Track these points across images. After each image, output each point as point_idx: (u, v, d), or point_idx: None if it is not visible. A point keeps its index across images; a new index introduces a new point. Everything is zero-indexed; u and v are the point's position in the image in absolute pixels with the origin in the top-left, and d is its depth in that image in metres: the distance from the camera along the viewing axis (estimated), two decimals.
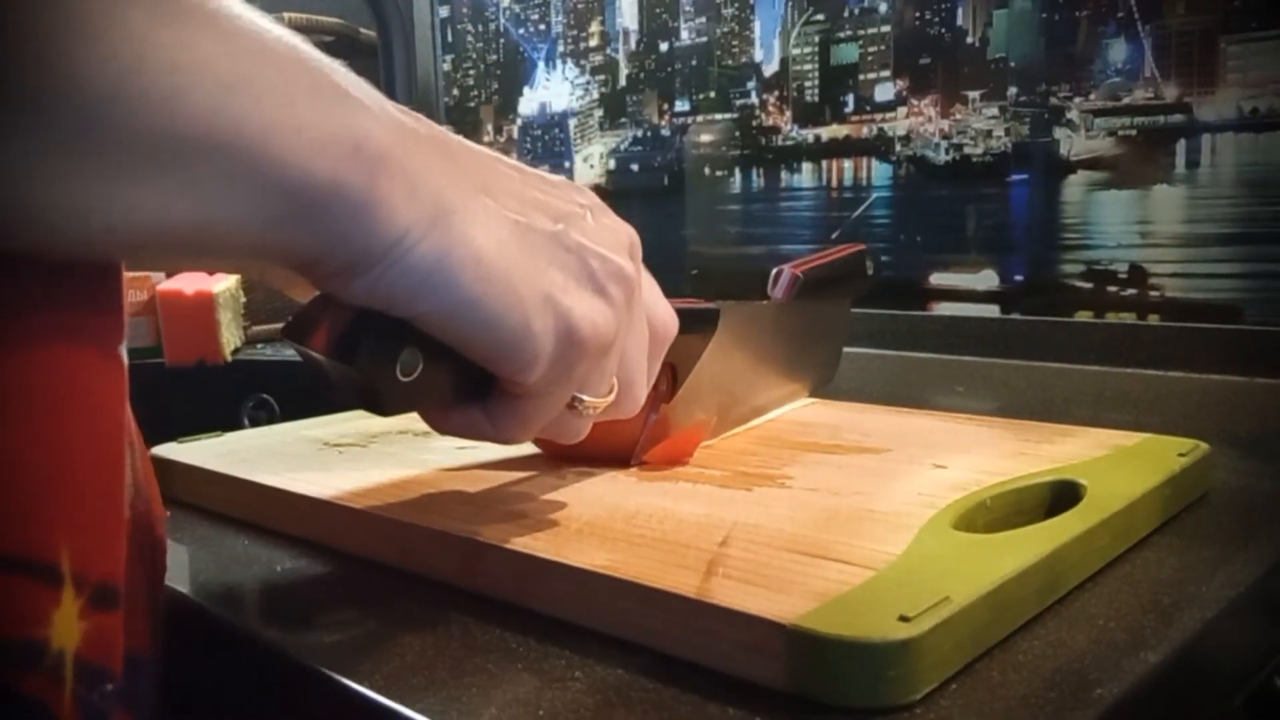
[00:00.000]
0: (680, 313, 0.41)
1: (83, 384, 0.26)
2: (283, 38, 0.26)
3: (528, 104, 1.24)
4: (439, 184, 0.29)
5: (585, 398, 0.35)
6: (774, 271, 0.55)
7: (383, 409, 0.31)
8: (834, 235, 0.96)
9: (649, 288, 0.39)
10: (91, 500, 0.26)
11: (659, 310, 0.39)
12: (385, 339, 0.30)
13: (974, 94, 0.86)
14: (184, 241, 0.25)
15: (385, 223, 0.28)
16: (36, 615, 0.24)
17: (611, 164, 1.15)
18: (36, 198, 0.23)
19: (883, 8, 0.91)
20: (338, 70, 0.28)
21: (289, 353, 1.01)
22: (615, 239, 0.35)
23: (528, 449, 0.49)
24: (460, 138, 0.33)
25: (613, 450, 0.47)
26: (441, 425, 0.35)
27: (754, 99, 1.02)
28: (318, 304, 0.31)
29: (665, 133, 1.10)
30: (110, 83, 0.22)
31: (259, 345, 1.05)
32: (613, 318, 0.33)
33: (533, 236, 0.32)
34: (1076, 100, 0.80)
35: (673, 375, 0.47)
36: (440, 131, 0.31)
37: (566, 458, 0.48)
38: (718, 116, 1.05)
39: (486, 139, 1.28)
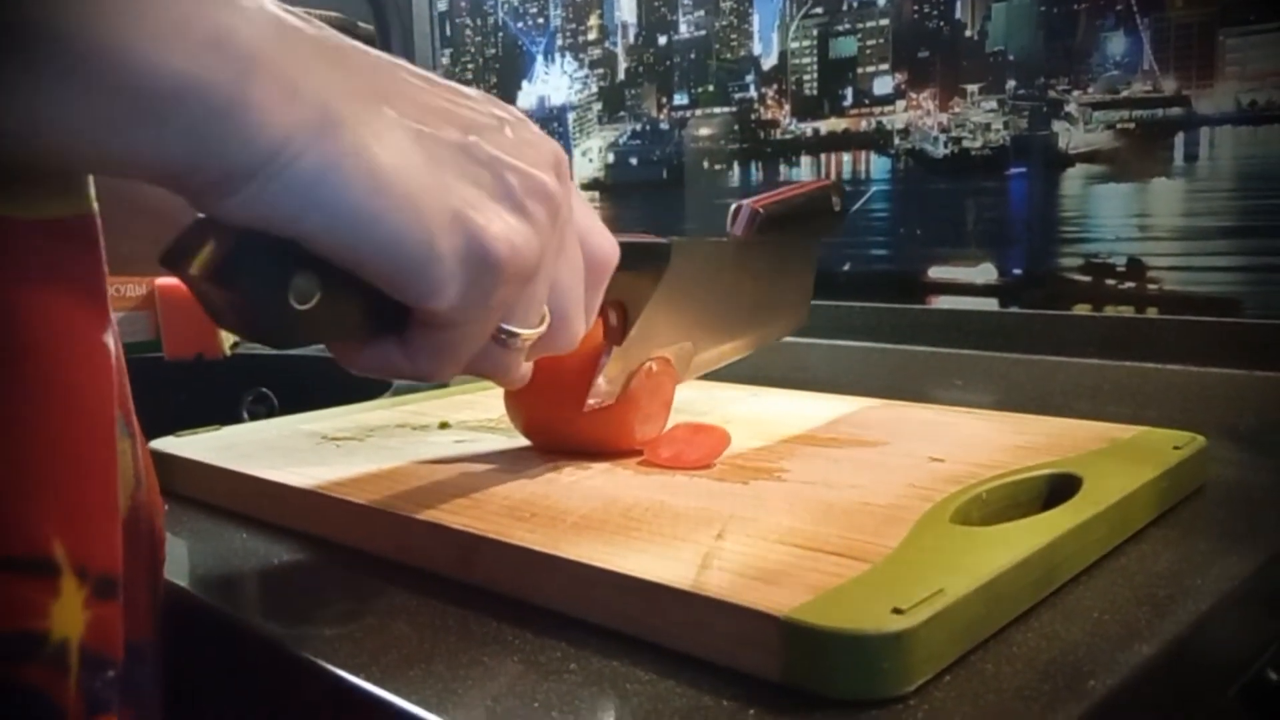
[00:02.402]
0: (627, 247, 0.38)
1: (67, 376, 0.26)
2: None
3: (526, 98, 1.24)
4: (326, 89, 0.26)
5: (513, 329, 0.32)
6: (733, 207, 0.52)
7: (278, 341, 0.29)
8: None
9: (584, 212, 0.36)
10: (85, 491, 0.26)
11: (595, 235, 0.36)
12: (272, 263, 0.27)
13: (972, 87, 0.86)
14: (35, 148, 0.23)
15: (257, 130, 0.25)
16: (33, 608, 0.24)
17: (610, 158, 1.15)
18: None
19: (881, 1, 0.91)
20: None
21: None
22: (537, 154, 0.31)
23: (521, 441, 0.49)
24: (363, 45, 0.30)
25: (603, 438, 0.47)
26: (353, 361, 0.32)
27: (753, 92, 1.02)
28: (199, 225, 0.28)
29: (664, 126, 1.10)
30: None
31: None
32: (534, 238, 0.30)
33: (438, 148, 0.29)
34: (1075, 94, 0.80)
35: (623, 314, 0.45)
36: (333, 33, 0.29)
37: (558, 450, 0.48)
38: (716, 110, 1.05)
39: None
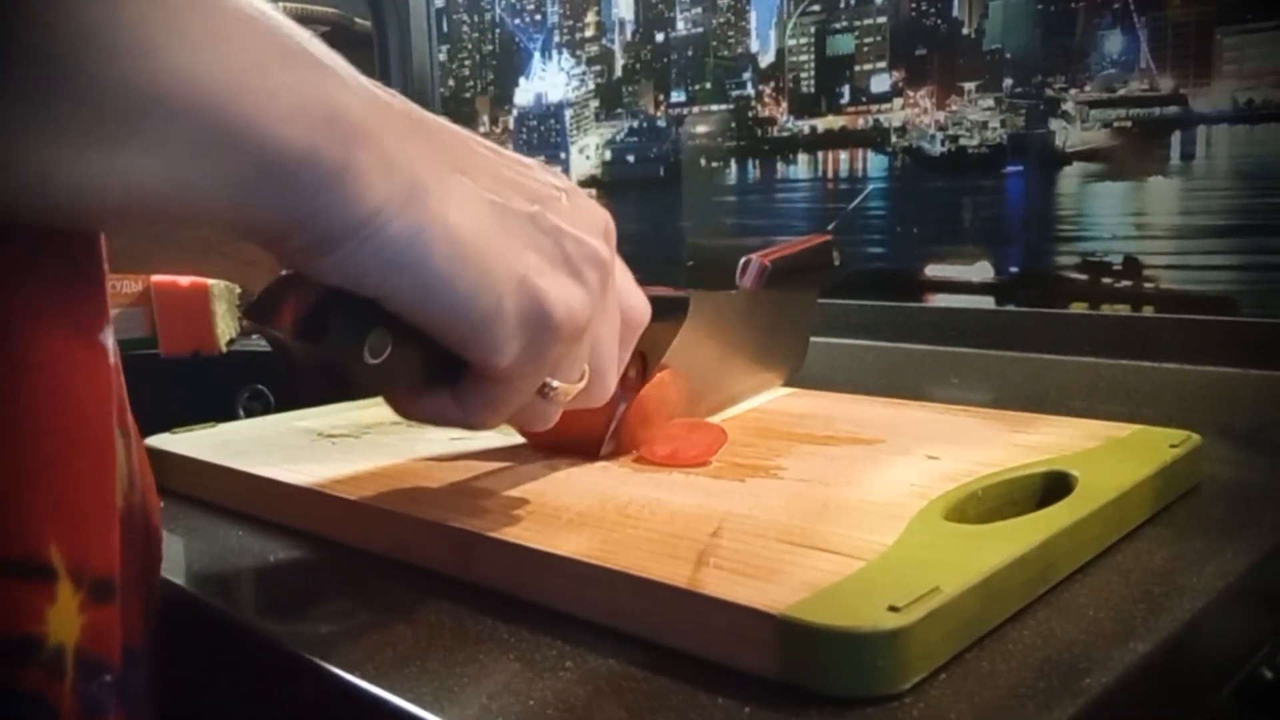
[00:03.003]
0: (651, 300, 0.40)
1: (64, 378, 0.26)
2: (256, 2, 0.26)
3: (523, 95, 1.24)
4: (414, 160, 0.29)
5: (556, 383, 0.34)
6: (742, 261, 0.55)
7: (350, 392, 0.31)
8: (830, 226, 0.96)
9: (622, 274, 0.38)
10: (82, 493, 0.26)
11: (632, 297, 0.39)
12: (354, 319, 0.29)
13: (969, 85, 0.86)
14: (149, 208, 0.25)
15: (359, 197, 0.27)
16: (28, 612, 0.24)
17: (607, 155, 1.15)
18: None
19: None
20: (312, 40, 0.27)
21: None
22: (591, 222, 0.34)
23: (516, 438, 0.49)
24: (436, 116, 0.32)
25: (591, 437, 0.47)
26: (409, 410, 0.34)
27: (750, 90, 1.02)
28: (284, 282, 0.30)
29: (661, 124, 1.10)
30: (80, 35, 0.21)
31: (254, 336, 1.05)
32: (587, 302, 0.33)
33: (508, 217, 0.31)
34: (1072, 92, 0.80)
35: (643, 363, 0.46)
36: (416, 108, 0.31)
37: (551, 446, 0.48)
38: (714, 107, 1.05)
39: (482, 130, 1.28)
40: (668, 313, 0.46)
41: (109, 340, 0.28)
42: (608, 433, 0.46)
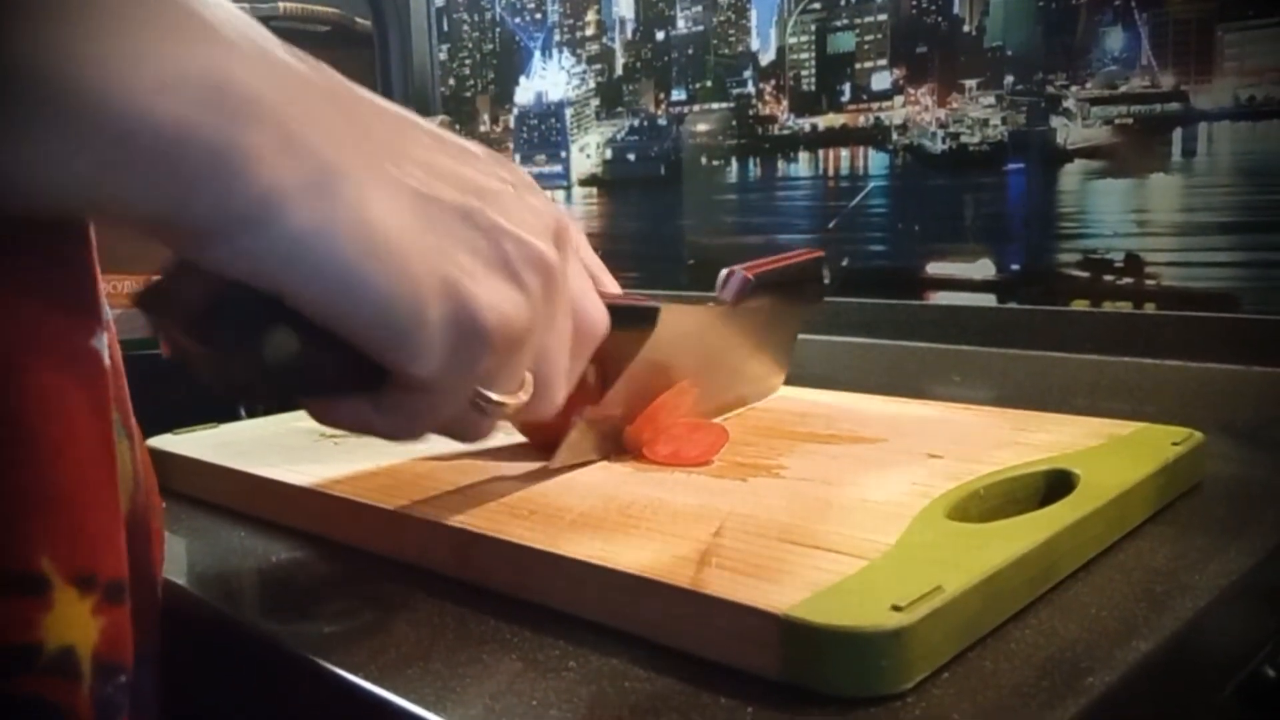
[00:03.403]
0: (616, 309, 0.38)
1: (57, 384, 0.25)
2: None
3: (524, 93, 1.24)
4: (326, 141, 0.26)
5: (492, 395, 0.31)
6: (724, 272, 0.52)
7: (247, 397, 0.28)
8: (830, 225, 0.95)
9: (578, 279, 0.35)
10: (85, 498, 0.25)
11: (587, 304, 0.36)
12: (252, 316, 0.26)
13: (971, 83, 0.86)
14: (14, 191, 0.22)
15: (249, 181, 0.24)
16: (20, 622, 0.24)
17: (608, 154, 1.15)
18: None
19: None
20: (217, 6, 0.24)
21: None
22: (539, 221, 0.31)
23: (518, 438, 0.49)
24: (373, 96, 0.29)
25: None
26: (324, 417, 0.31)
27: (751, 88, 1.02)
28: (175, 271, 0.27)
29: (662, 122, 1.10)
30: None
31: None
32: (526, 309, 0.30)
33: (437, 211, 0.28)
34: (1073, 89, 0.80)
35: (603, 375, 0.44)
36: (346, 85, 0.28)
37: (553, 447, 0.48)
38: (714, 106, 1.05)
39: (483, 129, 1.28)
40: (635, 322, 0.43)
41: (104, 345, 0.27)
42: (562, 444, 0.44)
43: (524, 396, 0.33)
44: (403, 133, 0.29)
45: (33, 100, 0.21)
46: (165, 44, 0.23)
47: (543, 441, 0.49)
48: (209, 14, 0.24)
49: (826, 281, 0.57)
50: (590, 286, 0.37)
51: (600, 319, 0.37)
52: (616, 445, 0.47)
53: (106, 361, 0.27)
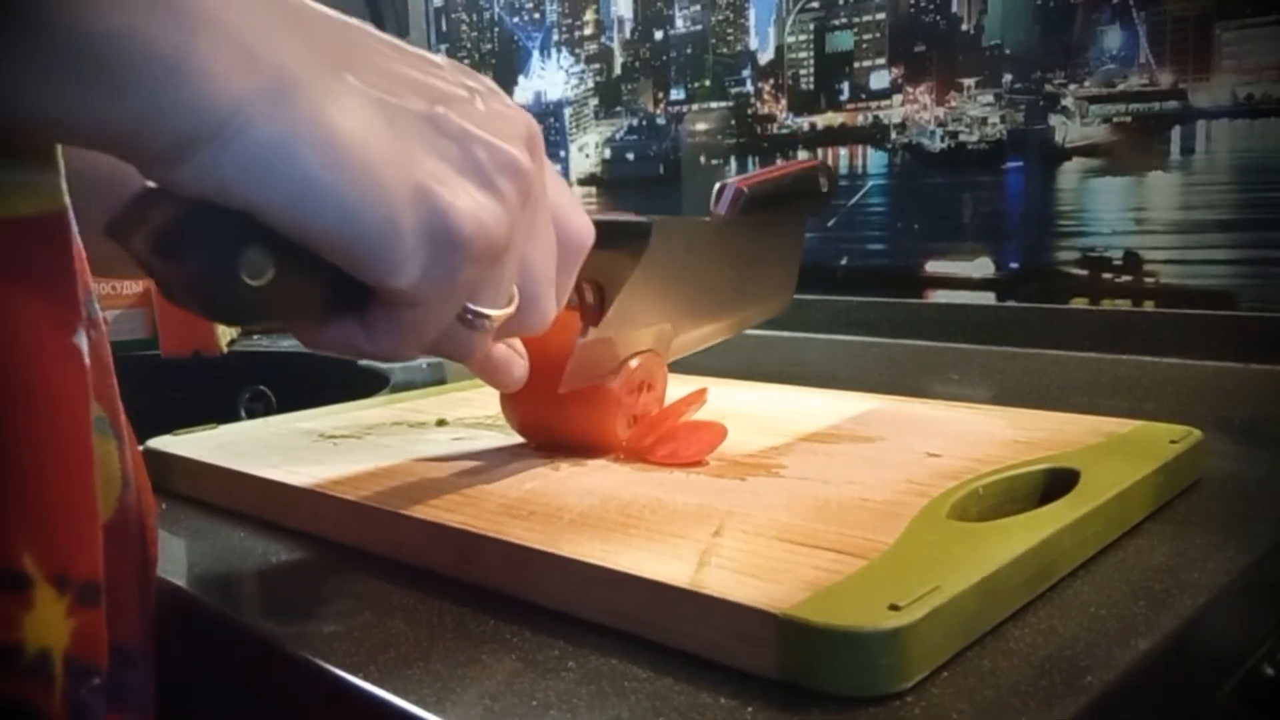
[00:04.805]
0: (606, 225, 0.37)
1: (34, 381, 0.24)
2: None
3: (523, 93, 1.24)
4: (283, 54, 0.25)
5: (479, 309, 0.31)
6: (718, 185, 0.50)
7: (231, 317, 0.28)
8: (829, 224, 0.96)
9: (558, 189, 0.34)
10: (60, 498, 0.25)
11: (571, 215, 0.35)
12: (222, 236, 0.26)
13: (969, 81, 0.86)
14: None
15: (209, 95, 0.24)
16: (3, 620, 0.24)
17: (607, 153, 1.15)
18: None
19: None
20: None
21: (286, 344, 1.01)
22: (509, 126, 0.30)
23: (517, 439, 0.49)
24: (324, 8, 0.28)
25: (593, 441, 0.47)
26: (312, 340, 0.31)
27: (749, 87, 1.02)
28: (144, 195, 0.26)
29: (660, 121, 1.10)
30: None
31: (255, 337, 1.05)
32: (503, 215, 0.29)
33: (402, 118, 0.28)
34: (1071, 87, 0.80)
35: (600, 293, 0.43)
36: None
37: (554, 447, 0.48)
38: (713, 105, 1.05)
39: None
40: (626, 240, 0.42)
41: (83, 343, 0.26)
42: (567, 367, 0.43)
43: (512, 309, 0.32)
44: (361, 43, 0.28)
45: None
46: None
47: (542, 442, 0.49)
48: None
49: (825, 191, 0.55)
50: (573, 198, 0.36)
51: (584, 229, 0.36)
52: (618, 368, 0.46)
53: (86, 360, 0.26)
